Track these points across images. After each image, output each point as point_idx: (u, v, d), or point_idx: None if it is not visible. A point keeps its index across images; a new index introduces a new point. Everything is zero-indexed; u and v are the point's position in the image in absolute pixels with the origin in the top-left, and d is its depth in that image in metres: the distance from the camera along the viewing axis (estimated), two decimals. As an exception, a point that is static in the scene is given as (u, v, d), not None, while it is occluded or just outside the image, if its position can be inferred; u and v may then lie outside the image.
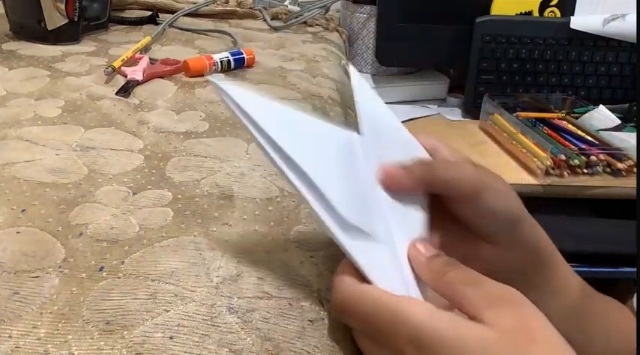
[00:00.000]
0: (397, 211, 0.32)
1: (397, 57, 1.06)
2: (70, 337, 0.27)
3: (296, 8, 1.01)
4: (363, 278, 0.28)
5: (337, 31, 0.99)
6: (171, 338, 0.27)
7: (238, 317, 0.29)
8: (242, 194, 0.41)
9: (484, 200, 0.33)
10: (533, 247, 0.36)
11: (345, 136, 0.32)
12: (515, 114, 0.91)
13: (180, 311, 0.29)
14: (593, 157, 0.79)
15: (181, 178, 0.42)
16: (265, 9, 1.00)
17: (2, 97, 0.54)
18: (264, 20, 0.97)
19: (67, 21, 0.73)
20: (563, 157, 0.78)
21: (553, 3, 1.01)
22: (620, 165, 0.79)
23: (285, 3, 1.04)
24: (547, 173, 0.78)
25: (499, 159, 0.87)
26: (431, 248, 0.31)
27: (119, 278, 0.31)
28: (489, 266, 0.34)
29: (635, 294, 0.80)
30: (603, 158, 0.79)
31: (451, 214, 0.35)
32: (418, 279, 0.30)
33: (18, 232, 0.34)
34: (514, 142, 0.87)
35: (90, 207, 0.38)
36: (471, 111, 1.02)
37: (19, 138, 0.46)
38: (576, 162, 0.78)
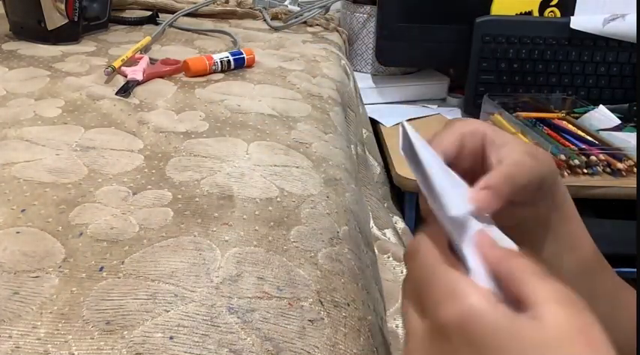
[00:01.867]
0: None
1: (397, 57, 1.06)
2: (70, 337, 0.27)
3: (296, 8, 1.01)
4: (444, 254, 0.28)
5: (337, 31, 0.99)
6: (171, 338, 0.27)
7: (238, 317, 0.29)
8: (242, 194, 0.41)
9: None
10: (561, 201, 0.36)
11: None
12: (515, 114, 0.91)
13: (180, 311, 0.29)
14: (593, 157, 0.79)
15: (181, 178, 0.42)
16: (265, 9, 1.00)
17: (2, 97, 0.54)
18: (264, 20, 0.97)
19: (67, 21, 0.73)
20: (563, 157, 0.78)
21: (553, 3, 1.01)
22: (620, 165, 0.79)
23: (285, 3, 1.04)
24: (547, 173, 0.78)
25: (499, 159, 0.87)
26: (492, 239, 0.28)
27: (119, 278, 0.31)
28: (515, 220, 0.34)
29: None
30: (603, 158, 0.79)
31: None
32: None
33: (18, 232, 0.34)
34: (514, 142, 0.87)
35: (90, 207, 0.38)
36: (471, 111, 1.02)
37: (19, 138, 0.46)
38: (576, 162, 0.78)
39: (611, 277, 0.41)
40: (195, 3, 0.96)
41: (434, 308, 0.25)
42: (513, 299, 0.25)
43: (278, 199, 0.41)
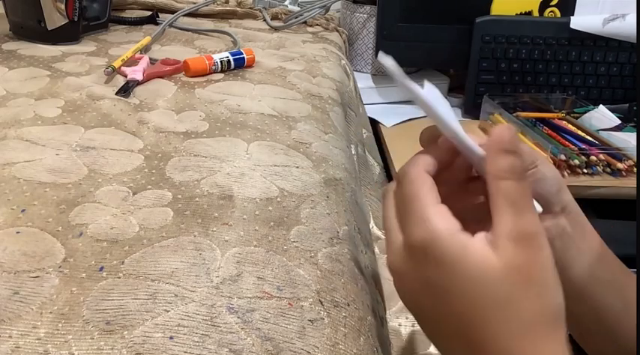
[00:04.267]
0: None
1: (397, 57, 1.06)
2: (70, 337, 0.27)
3: (296, 8, 1.01)
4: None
5: (337, 31, 0.99)
6: (171, 338, 0.27)
7: (238, 317, 0.29)
8: (242, 194, 0.41)
9: (540, 169, 0.36)
10: (573, 208, 0.39)
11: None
12: (515, 114, 0.91)
13: (180, 311, 0.29)
14: (593, 157, 0.79)
15: (181, 178, 0.42)
16: (265, 9, 1.00)
17: (2, 97, 0.54)
18: (264, 20, 0.97)
19: (67, 21, 0.73)
20: (563, 157, 0.78)
21: (553, 3, 1.01)
22: (620, 165, 0.79)
23: (285, 3, 1.04)
24: (547, 173, 0.78)
25: (499, 159, 0.87)
26: (515, 143, 0.30)
27: (119, 278, 0.31)
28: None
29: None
30: (603, 158, 0.79)
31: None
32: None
33: (18, 232, 0.34)
34: (514, 142, 0.87)
35: (90, 207, 0.38)
36: (471, 111, 1.02)
37: (19, 138, 0.46)
38: (576, 162, 0.78)
39: (619, 267, 0.43)
40: (195, 3, 0.96)
41: (409, 228, 0.30)
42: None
43: (278, 199, 0.41)
